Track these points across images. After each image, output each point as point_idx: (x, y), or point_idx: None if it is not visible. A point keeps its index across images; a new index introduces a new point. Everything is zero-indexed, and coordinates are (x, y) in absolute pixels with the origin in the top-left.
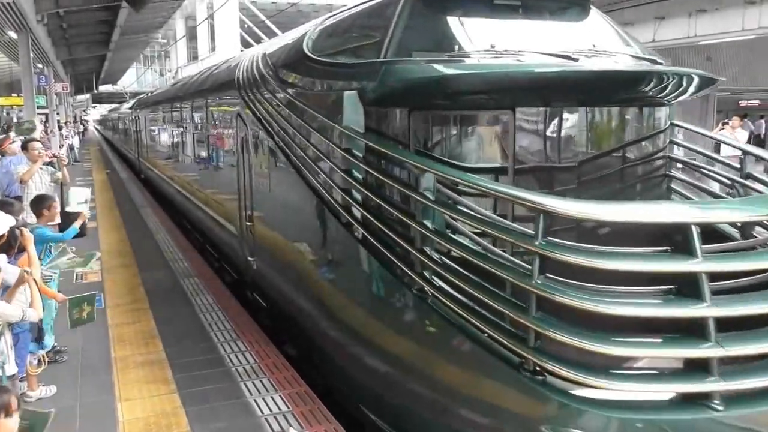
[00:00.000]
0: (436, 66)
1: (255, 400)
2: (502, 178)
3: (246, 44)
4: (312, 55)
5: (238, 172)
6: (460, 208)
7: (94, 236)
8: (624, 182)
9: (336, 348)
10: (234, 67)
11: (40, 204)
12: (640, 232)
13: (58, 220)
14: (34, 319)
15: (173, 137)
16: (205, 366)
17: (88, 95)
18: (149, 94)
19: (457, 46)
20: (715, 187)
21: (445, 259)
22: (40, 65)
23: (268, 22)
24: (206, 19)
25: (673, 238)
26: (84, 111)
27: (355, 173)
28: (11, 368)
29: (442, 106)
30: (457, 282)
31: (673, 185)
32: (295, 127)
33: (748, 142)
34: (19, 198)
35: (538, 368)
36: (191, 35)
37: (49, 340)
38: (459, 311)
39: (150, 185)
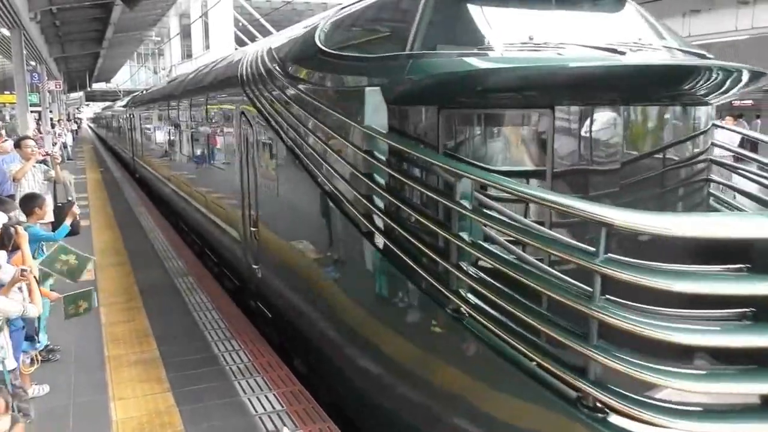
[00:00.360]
0: (468, 60)
1: (249, 399)
2: (539, 183)
3: (240, 42)
4: (325, 49)
5: (241, 174)
6: (501, 217)
7: (88, 235)
8: (664, 186)
9: (349, 364)
10: (236, 62)
11: (30, 203)
12: (682, 244)
13: (50, 218)
14: (34, 314)
15: (170, 136)
16: (199, 365)
17: (81, 93)
18: (144, 92)
19: (488, 39)
20: (754, 189)
21: (483, 275)
22: (32, 63)
23: (262, 21)
24: (200, 17)
25: (751, 256)
26: (77, 109)
27: (377, 177)
28: (11, 363)
29: (474, 104)
30: (498, 301)
31: (712, 190)
32: (307, 126)
33: (742, 143)
34: (12, 196)
35: (598, 404)
36: (185, 33)
37: (42, 339)
38: (502, 335)
39: (145, 185)
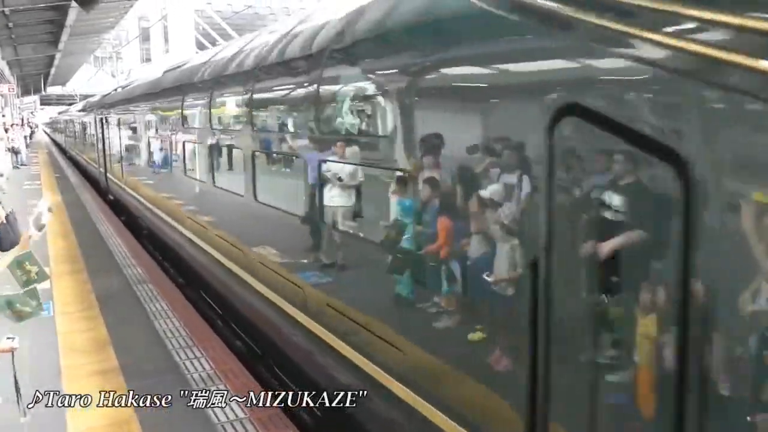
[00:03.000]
0: None
1: (211, 408)
2: None
3: (201, 47)
4: None
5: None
6: None
7: (42, 242)
8: None
9: None
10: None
11: None
12: None
13: None
14: None
15: (179, 151)
16: (160, 373)
17: (36, 97)
18: (121, 89)
19: None
20: None
21: None
22: None
23: (224, 24)
24: (160, 20)
25: None
26: (32, 113)
27: None
28: None
29: None
30: None
31: None
32: None
33: None
34: None
35: None
36: (144, 36)
37: None
38: None
39: (124, 212)
